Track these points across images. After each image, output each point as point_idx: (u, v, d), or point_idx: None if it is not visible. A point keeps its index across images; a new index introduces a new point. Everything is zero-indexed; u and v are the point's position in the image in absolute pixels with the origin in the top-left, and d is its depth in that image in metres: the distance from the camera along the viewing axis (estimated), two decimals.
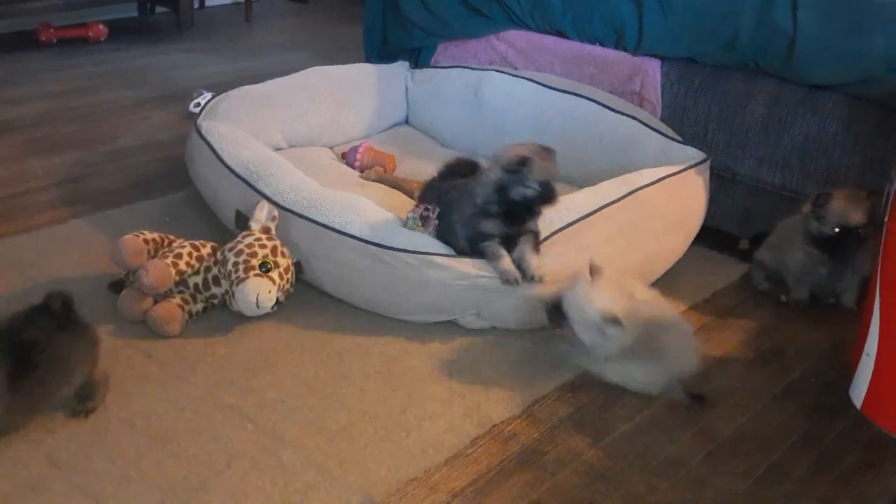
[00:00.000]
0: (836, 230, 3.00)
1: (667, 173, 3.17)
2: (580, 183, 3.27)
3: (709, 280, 3.34)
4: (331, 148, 4.10)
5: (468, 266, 2.82)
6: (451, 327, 2.96)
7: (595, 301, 2.62)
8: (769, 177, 3.45)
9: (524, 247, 2.80)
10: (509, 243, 2.81)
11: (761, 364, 2.89)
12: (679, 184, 3.20)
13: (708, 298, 3.24)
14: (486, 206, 2.80)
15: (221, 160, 3.38)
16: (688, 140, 3.51)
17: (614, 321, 2.58)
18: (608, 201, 3.00)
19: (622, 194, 3.03)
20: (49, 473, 2.29)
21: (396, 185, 3.68)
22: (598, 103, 3.70)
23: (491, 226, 2.81)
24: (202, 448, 2.39)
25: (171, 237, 3.06)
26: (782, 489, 2.35)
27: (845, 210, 2.98)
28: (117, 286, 3.04)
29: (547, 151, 2.85)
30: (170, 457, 2.36)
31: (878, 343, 2.57)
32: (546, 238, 2.87)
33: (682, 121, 3.61)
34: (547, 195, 2.75)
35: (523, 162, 2.71)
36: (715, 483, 2.36)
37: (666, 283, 3.24)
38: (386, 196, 3.49)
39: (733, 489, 2.34)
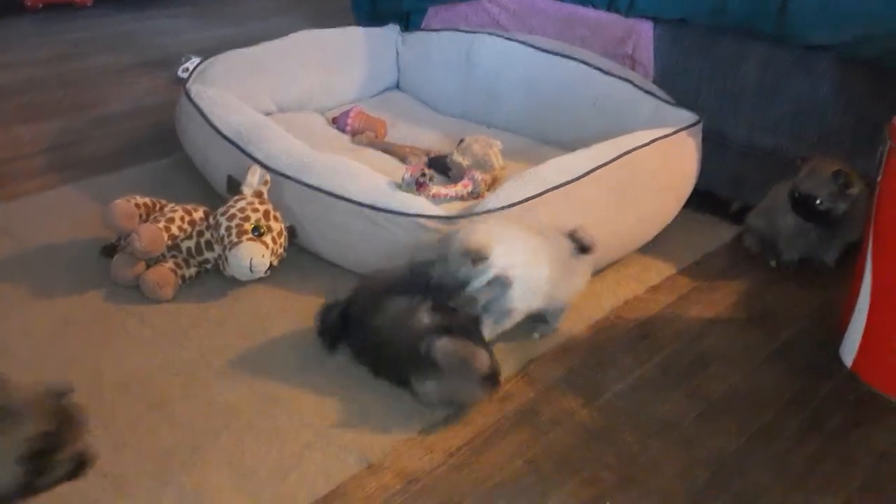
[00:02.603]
0: (796, 196, 3.05)
1: (659, 135, 3.17)
2: (572, 146, 3.25)
3: (699, 243, 3.35)
4: (321, 113, 4.07)
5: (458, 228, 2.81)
6: None
7: (467, 235, 2.51)
8: (761, 141, 3.45)
9: None
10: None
11: (752, 325, 2.91)
12: (672, 146, 3.20)
13: (699, 261, 3.25)
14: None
15: (211, 124, 3.35)
16: (680, 103, 3.49)
17: (478, 254, 2.44)
18: (601, 163, 2.99)
19: (615, 156, 3.02)
20: None
21: (388, 149, 3.67)
22: (591, 66, 3.68)
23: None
24: (197, 412, 2.40)
25: (163, 202, 3.05)
26: (773, 448, 2.37)
27: (804, 180, 3.03)
28: (109, 251, 3.02)
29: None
30: (164, 422, 2.37)
31: (870, 302, 2.59)
32: (537, 195, 2.85)
33: (673, 84, 3.60)
34: None
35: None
36: (706, 442, 2.38)
37: (657, 245, 3.25)
38: (378, 161, 3.47)
39: (725, 448, 2.37)
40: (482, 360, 2.38)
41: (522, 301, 2.59)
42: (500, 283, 2.51)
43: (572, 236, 2.69)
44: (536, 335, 2.75)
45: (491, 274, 2.48)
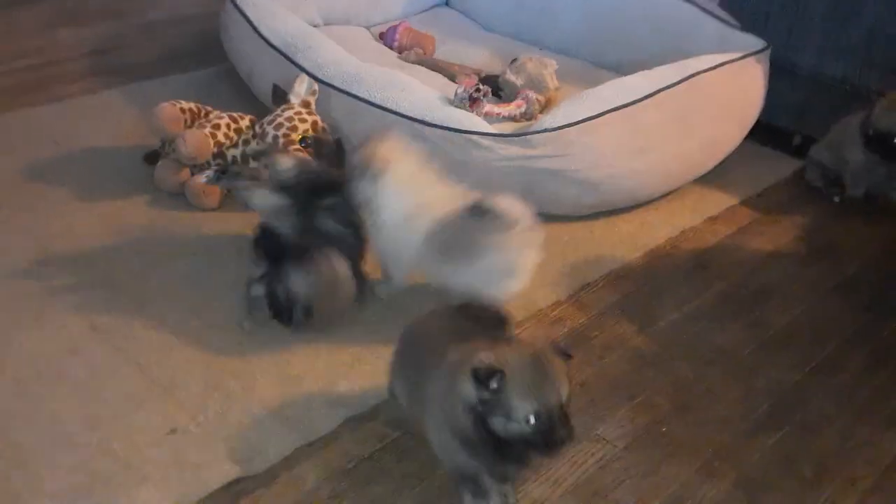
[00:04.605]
0: (870, 133, 2.90)
1: (726, 59, 3.01)
2: (629, 70, 3.10)
3: (760, 175, 3.23)
4: (367, 28, 3.93)
5: (513, 147, 2.71)
6: None
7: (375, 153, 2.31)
8: (831, 68, 3.29)
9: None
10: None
11: (814, 259, 2.81)
12: (738, 71, 3.05)
13: (760, 193, 3.14)
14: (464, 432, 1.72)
15: (258, 32, 3.24)
16: (746, 28, 3.32)
17: (371, 161, 2.27)
18: (664, 85, 2.85)
19: (679, 79, 2.88)
20: (91, 338, 2.26)
21: (437, 67, 3.54)
22: None
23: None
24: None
25: (209, 108, 2.96)
26: (839, 380, 2.29)
27: (881, 116, 2.87)
28: (152, 157, 2.96)
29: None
30: (212, 325, 2.33)
31: None
32: (597, 116, 2.73)
33: (741, 6, 3.42)
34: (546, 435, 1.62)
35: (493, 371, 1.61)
36: (767, 373, 2.31)
37: (716, 176, 3.13)
38: (426, 78, 3.35)
39: (785, 380, 2.29)
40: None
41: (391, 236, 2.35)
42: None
43: (476, 208, 2.19)
44: (378, 290, 2.48)
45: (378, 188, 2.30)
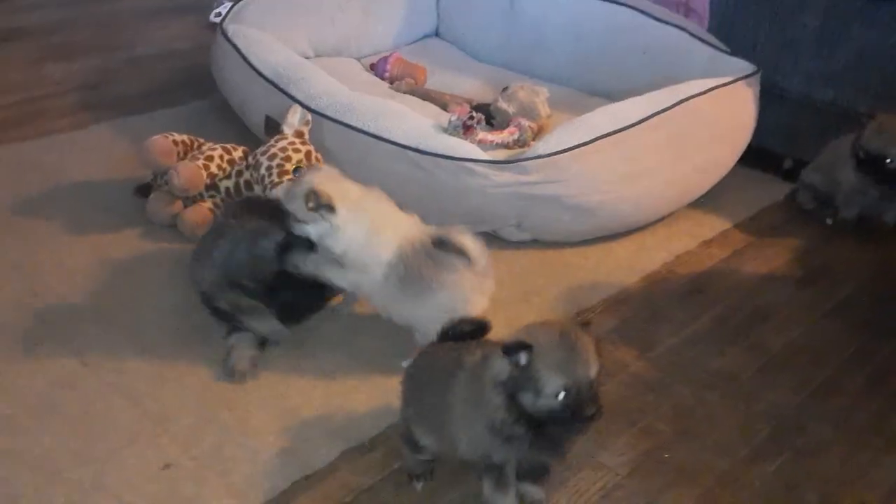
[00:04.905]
0: (861, 154, 2.91)
1: (718, 83, 3.03)
2: (620, 98, 3.12)
3: (753, 198, 3.23)
4: (358, 59, 3.95)
5: (507, 174, 2.71)
6: (491, 240, 2.84)
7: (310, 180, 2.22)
8: (819, 93, 3.31)
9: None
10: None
11: (810, 281, 2.80)
12: (729, 95, 3.06)
13: (753, 217, 3.14)
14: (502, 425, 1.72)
15: (250, 64, 3.24)
16: (734, 54, 3.35)
17: (317, 198, 2.16)
18: (657, 110, 2.86)
19: (672, 103, 2.90)
20: (82, 372, 2.23)
21: (428, 96, 3.55)
22: (642, 12, 3.53)
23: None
24: None
25: (201, 140, 2.95)
26: (837, 403, 2.28)
27: (872, 137, 2.88)
28: (144, 190, 2.94)
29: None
30: (205, 357, 2.29)
31: None
32: (589, 142, 2.74)
33: (729, 33, 3.45)
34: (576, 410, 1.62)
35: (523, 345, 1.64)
36: (767, 396, 2.29)
37: (710, 200, 3.14)
38: (418, 108, 3.35)
39: (786, 402, 2.27)
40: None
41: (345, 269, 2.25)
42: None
43: (440, 241, 2.18)
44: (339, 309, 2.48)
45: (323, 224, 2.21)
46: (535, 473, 1.80)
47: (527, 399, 1.61)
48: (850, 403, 2.28)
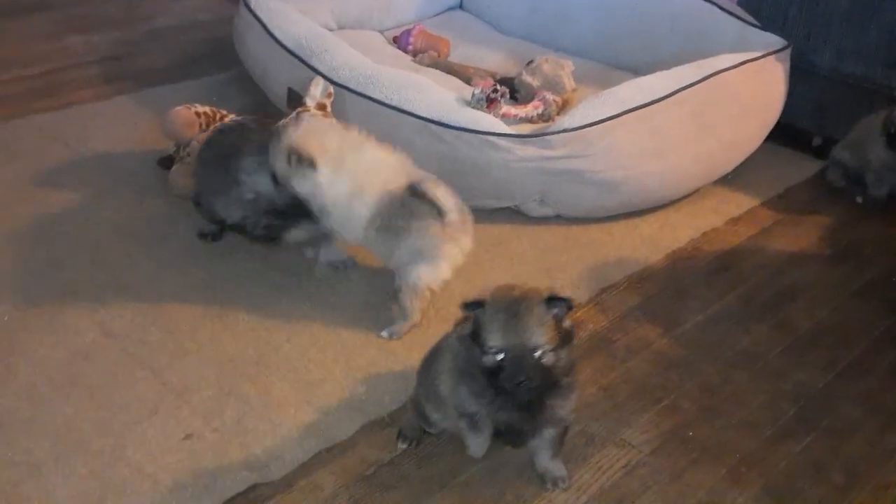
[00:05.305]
0: (893, 131, 2.86)
1: (747, 58, 2.96)
2: (646, 72, 3.06)
3: (781, 175, 3.17)
4: (381, 32, 3.90)
5: (531, 148, 2.67)
6: (513, 215, 2.83)
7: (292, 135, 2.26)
8: (851, 68, 3.23)
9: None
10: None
11: (838, 260, 2.75)
12: (759, 70, 3.00)
13: (781, 194, 3.08)
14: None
15: (272, 36, 3.21)
16: (765, 29, 3.27)
17: (298, 155, 2.22)
18: (684, 84, 2.81)
19: (699, 78, 2.84)
20: (104, 343, 2.23)
21: (451, 70, 3.50)
22: None
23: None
24: (260, 322, 2.32)
25: (223, 111, 2.93)
26: (865, 383, 2.24)
27: None
28: (166, 162, 2.93)
29: None
30: (226, 330, 2.29)
31: None
32: (615, 116, 2.69)
33: (759, 6, 3.37)
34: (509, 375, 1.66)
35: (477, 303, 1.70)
36: (794, 376, 2.25)
37: (737, 177, 3.08)
38: (441, 81, 3.30)
39: (813, 382, 2.23)
40: None
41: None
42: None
43: (414, 190, 2.21)
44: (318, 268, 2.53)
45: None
46: (512, 436, 1.83)
47: (476, 353, 1.68)
48: (878, 384, 2.24)
